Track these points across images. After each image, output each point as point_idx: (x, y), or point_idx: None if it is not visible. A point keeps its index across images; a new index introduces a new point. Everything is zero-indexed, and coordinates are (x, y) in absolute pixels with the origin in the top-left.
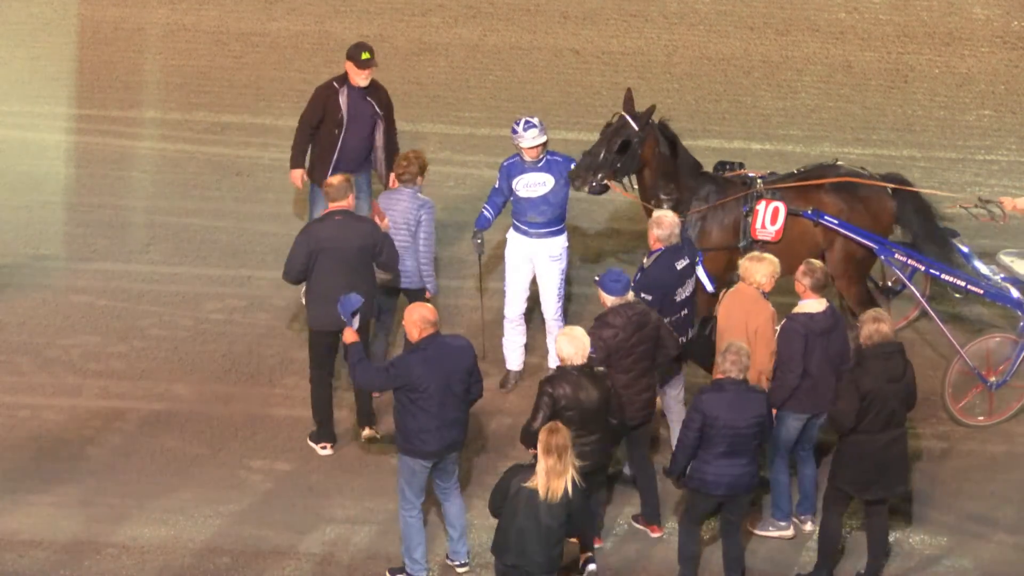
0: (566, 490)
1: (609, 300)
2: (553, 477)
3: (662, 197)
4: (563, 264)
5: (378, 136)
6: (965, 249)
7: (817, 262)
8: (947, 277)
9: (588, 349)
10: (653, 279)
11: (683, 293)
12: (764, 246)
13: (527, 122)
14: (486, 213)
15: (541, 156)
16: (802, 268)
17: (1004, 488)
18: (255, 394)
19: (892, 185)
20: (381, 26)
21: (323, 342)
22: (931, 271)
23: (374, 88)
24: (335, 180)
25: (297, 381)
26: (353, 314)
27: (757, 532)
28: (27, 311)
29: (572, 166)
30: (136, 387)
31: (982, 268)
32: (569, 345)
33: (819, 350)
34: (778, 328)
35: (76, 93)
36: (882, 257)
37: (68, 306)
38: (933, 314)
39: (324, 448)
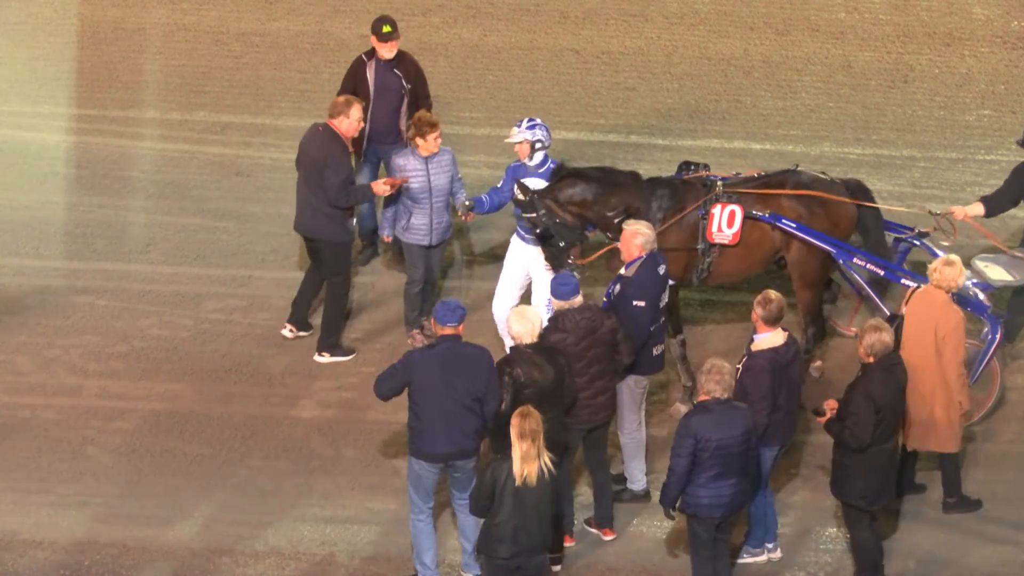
0: (546, 470)
1: (557, 304)
2: (528, 462)
3: (609, 215)
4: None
5: (403, 109)
6: (940, 253)
7: (774, 293)
8: (907, 281)
9: (538, 328)
10: (643, 285)
11: (664, 298)
12: (723, 249)
13: (520, 121)
14: (483, 197)
15: (541, 160)
16: (758, 298)
17: (1006, 488)
18: (255, 394)
19: (849, 200)
20: None
21: (307, 244)
22: (890, 275)
23: (402, 61)
24: (338, 98)
25: (298, 380)
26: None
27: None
28: (27, 311)
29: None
30: (136, 387)
31: None
32: (519, 324)
33: (786, 382)
34: (739, 366)
35: (76, 93)
36: (840, 261)
37: (68, 306)
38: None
39: (285, 328)
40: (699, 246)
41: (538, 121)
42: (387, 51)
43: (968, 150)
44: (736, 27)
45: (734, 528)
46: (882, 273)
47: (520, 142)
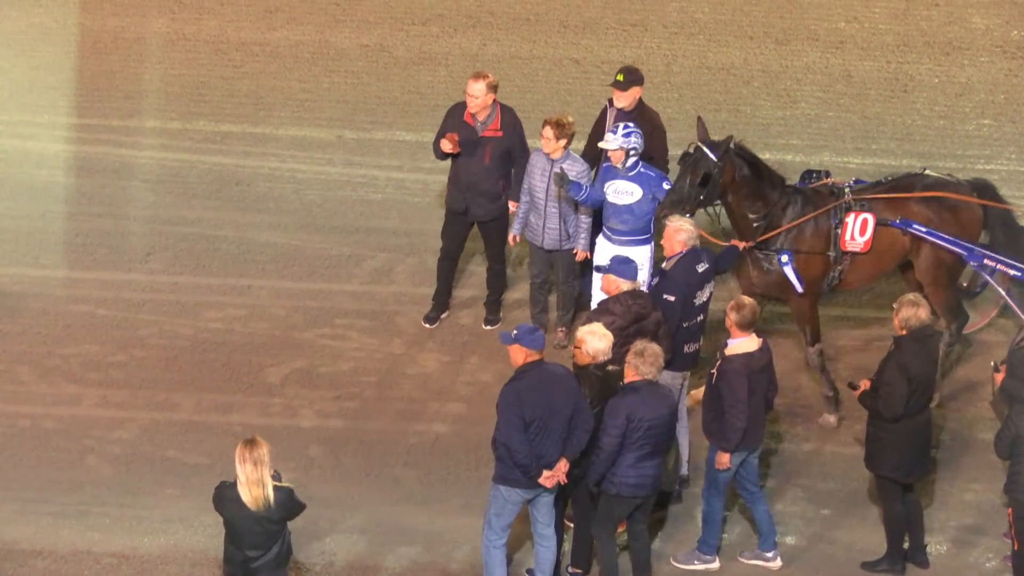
0: (267, 497)
1: (624, 285)
2: (252, 486)
3: (750, 216)
4: (642, 276)
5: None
6: None
7: (747, 298)
8: None
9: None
10: (676, 280)
11: (702, 297)
12: (853, 256)
13: (613, 127)
14: (587, 186)
15: (631, 165)
16: (731, 304)
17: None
18: (254, 404)
19: (978, 200)
20: (381, 35)
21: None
22: (1022, 277)
23: (642, 114)
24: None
25: (296, 391)
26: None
27: (679, 565)
28: (27, 320)
29: (664, 190)
30: (136, 396)
31: None
32: (600, 340)
33: (758, 388)
34: (714, 372)
35: (76, 103)
36: (972, 264)
37: (68, 315)
38: (1020, 312)
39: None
40: (831, 253)
41: (633, 127)
42: (618, 100)
43: (968, 159)
44: (736, 37)
45: (650, 511)
46: (1011, 273)
47: (616, 149)
